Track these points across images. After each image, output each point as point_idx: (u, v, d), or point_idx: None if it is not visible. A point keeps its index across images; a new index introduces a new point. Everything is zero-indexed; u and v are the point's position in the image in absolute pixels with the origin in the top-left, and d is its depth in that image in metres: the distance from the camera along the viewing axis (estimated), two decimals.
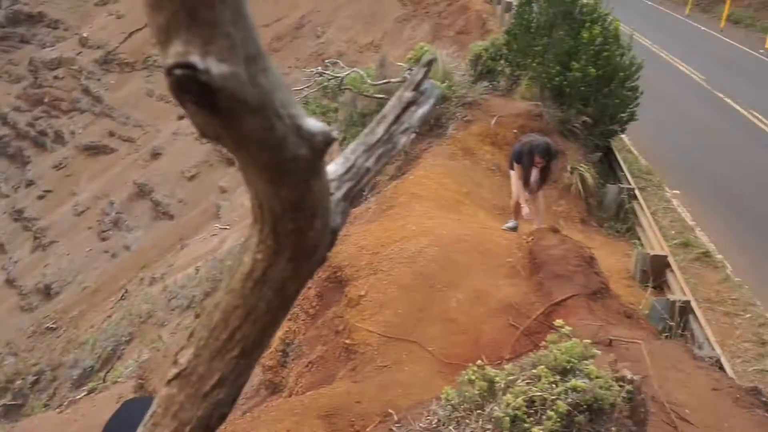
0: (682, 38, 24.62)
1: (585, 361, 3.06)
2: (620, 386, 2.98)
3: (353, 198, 1.11)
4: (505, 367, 3.21)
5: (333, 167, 1.09)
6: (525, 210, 8.61)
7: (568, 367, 3.01)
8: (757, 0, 26.66)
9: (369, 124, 1.12)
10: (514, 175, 8.74)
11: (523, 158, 8.59)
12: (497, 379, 3.05)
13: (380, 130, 1.09)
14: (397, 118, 1.10)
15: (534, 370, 3.04)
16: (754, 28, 25.91)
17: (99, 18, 43.30)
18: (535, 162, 8.54)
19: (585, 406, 2.83)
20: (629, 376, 3.05)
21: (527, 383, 2.96)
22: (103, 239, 32.75)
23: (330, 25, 32.59)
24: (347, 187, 1.08)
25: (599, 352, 3.28)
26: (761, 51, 22.84)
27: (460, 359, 5.93)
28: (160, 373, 12.08)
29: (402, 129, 1.09)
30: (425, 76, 1.13)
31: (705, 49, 23.45)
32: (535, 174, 8.66)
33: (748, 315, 9.22)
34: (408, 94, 1.12)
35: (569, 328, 3.44)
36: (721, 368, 7.27)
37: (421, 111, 1.12)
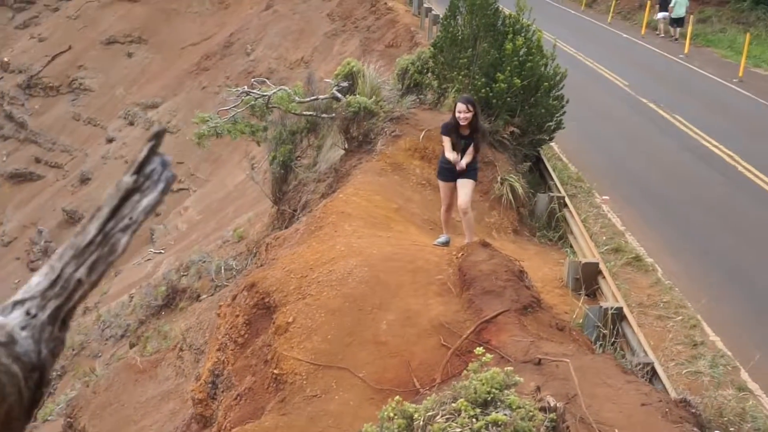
0: (605, 45, 25.16)
1: (507, 391, 2.94)
2: (543, 415, 2.87)
3: (65, 319, 0.90)
4: (425, 401, 3.06)
5: (36, 279, 0.89)
6: (452, 157, 8.33)
7: (489, 398, 2.89)
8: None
9: (82, 221, 0.92)
10: (447, 147, 8.45)
11: (450, 129, 8.40)
12: (416, 415, 2.91)
13: (93, 229, 0.90)
14: (115, 211, 0.91)
15: (454, 404, 2.90)
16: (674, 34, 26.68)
17: (21, 41, 42.02)
18: (458, 111, 8.24)
19: None
20: (552, 403, 2.94)
21: (446, 419, 2.82)
22: (33, 269, 31.57)
23: (259, 43, 32.28)
24: (54, 306, 0.88)
25: (521, 380, 3.17)
26: (681, 56, 23.50)
27: (392, 384, 5.78)
28: (89, 411, 11.60)
29: (122, 225, 0.91)
30: (151, 154, 0.94)
31: (628, 55, 24.01)
32: (467, 158, 8.41)
33: (679, 317, 9.32)
34: (128, 179, 0.93)
35: (490, 357, 3.32)
36: (655, 374, 7.30)
37: (147, 201, 0.93)
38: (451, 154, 8.36)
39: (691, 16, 25.47)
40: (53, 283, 0.87)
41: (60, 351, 0.86)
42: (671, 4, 25.30)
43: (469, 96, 8.67)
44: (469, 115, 8.28)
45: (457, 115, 8.33)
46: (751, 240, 11.58)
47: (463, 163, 8.35)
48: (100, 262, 0.89)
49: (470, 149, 8.44)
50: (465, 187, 8.45)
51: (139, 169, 0.95)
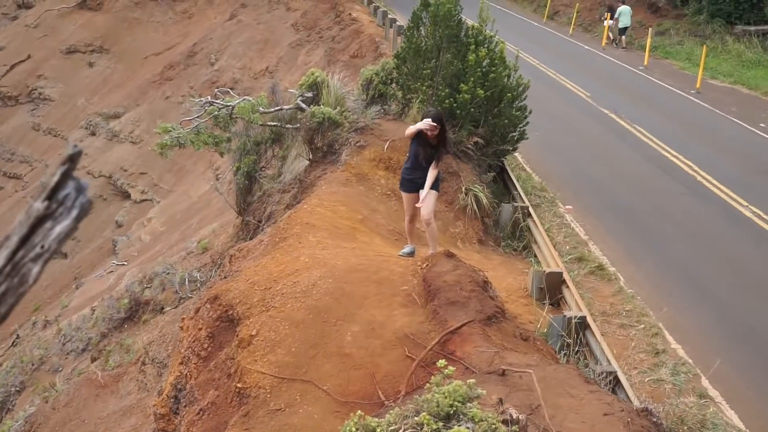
0: (567, 57, 25.50)
1: (469, 404, 2.93)
2: (506, 427, 2.87)
3: None
4: (387, 414, 3.04)
5: None
6: (422, 194, 8.40)
7: (452, 411, 2.88)
8: (634, 20, 27.94)
9: None
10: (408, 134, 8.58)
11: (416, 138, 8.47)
12: (378, 430, 2.88)
13: (1, 259, 0.85)
14: (25, 240, 0.86)
15: (416, 418, 2.89)
16: (633, 45, 27.15)
17: None
18: (428, 129, 8.28)
19: None
20: (515, 415, 2.94)
21: None
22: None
23: (223, 53, 32.10)
24: None
25: (484, 392, 3.16)
26: (640, 68, 23.91)
27: (357, 396, 5.75)
28: (48, 428, 11.34)
29: (33, 255, 0.86)
30: (65, 178, 0.90)
31: (589, 66, 24.37)
32: (432, 173, 8.45)
33: (641, 326, 9.43)
34: (38, 205, 0.88)
35: (452, 369, 3.32)
36: (618, 382, 7.37)
37: (60, 228, 0.88)
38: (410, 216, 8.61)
39: (650, 29, 25.98)
40: None
41: None
42: (617, 15, 27.26)
43: (437, 111, 8.61)
44: (436, 132, 8.33)
45: (424, 129, 8.35)
46: (710, 248, 11.79)
47: (423, 202, 8.45)
48: (9, 293, 0.85)
49: (431, 168, 8.47)
50: (427, 198, 8.47)
51: (52, 195, 0.90)
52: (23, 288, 0.85)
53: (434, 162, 8.45)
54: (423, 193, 8.43)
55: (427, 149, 8.44)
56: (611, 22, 27.71)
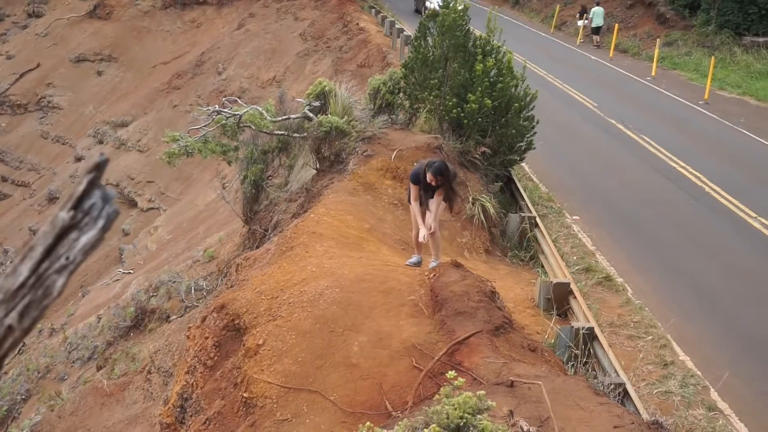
0: (574, 67, 25.50)
1: (479, 415, 2.90)
2: None
3: None
4: (396, 426, 3.01)
5: None
6: (422, 232, 8.23)
7: (462, 423, 2.85)
8: (642, 30, 27.97)
9: (12, 261, 0.85)
10: (412, 196, 8.41)
11: (419, 179, 8.28)
12: None
13: (25, 270, 0.83)
14: (50, 251, 0.84)
15: (426, 430, 2.86)
16: (641, 56, 27.14)
17: None
18: (428, 180, 8.14)
19: None
20: (525, 428, 2.91)
21: None
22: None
23: (231, 62, 32.22)
24: None
25: (494, 404, 3.13)
26: (648, 78, 23.88)
27: (364, 407, 5.71)
28: None
29: (57, 266, 0.84)
30: (91, 187, 0.87)
31: (596, 77, 24.35)
32: (435, 203, 8.38)
33: (649, 337, 9.37)
34: (64, 216, 0.86)
35: (462, 381, 3.29)
36: (626, 394, 7.32)
37: (86, 239, 0.86)
38: (421, 227, 8.27)
39: (658, 40, 25.97)
40: None
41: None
42: (590, 16, 29.41)
43: (439, 166, 8.21)
44: (438, 183, 8.18)
45: (428, 178, 8.19)
46: (718, 259, 11.72)
47: (428, 230, 8.29)
48: (32, 306, 0.82)
49: (440, 204, 8.36)
50: (433, 206, 8.43)
51: (78, 204, 0.87)
52: (47, 300, 0.83)
53: (437, 194, 8.30)
54: (427, 221, 8.30)
55: (430, 191, 8.33)
56: (585, 21, 29.96)
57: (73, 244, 0.84)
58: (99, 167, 0.87)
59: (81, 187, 0.86)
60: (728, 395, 8.19)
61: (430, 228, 8.27)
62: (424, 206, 8.46)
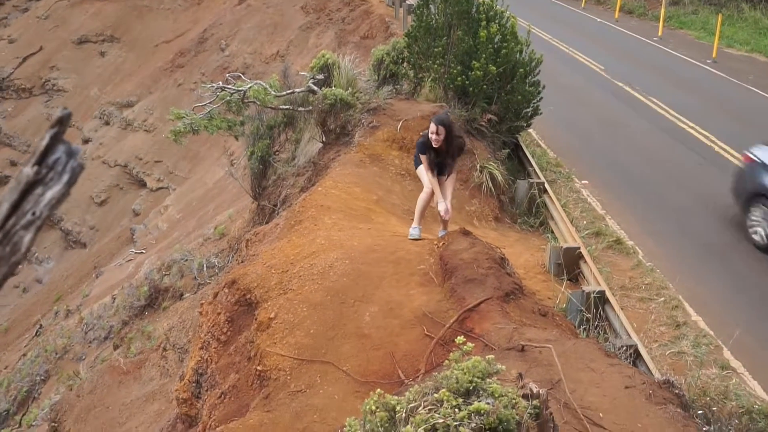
0: (579, 30, 25.23)
1: (489, 379, 2.92)
2: (526, 402, 2.85)
3: None
4: (407, 392, 3.03)
5: None
6: (441, 207, 8.03)
7: (471, 387, 2.86)
8: None
9: None
10: (422, 169, 8.17)
11: (426, 147, 8.06)
12: (398, 408, 2.88)
13: None
14: (16, 207, 0.83)
15: (436, 395, 2.88)
16: (647, 17, 26.81)
17: None
18: (430, 132, 7.95)
19: (490, 429, 2.68)
20: (535, 390, 2.92)
21: (429, 410, 2.80)
22: (12, 274, 31.24)
23: (233, 38, 32.05)
24: None
25: (503, 367, 3.15)
26: (654, 39, 23.61)
27: (377, 376, 5.76)
28: (73, 415, 11.49)
29: (24, 222, 0.83)
30: (55, 142, 0.86)
31: (602, 39, 24.09)
32: (451, 183, 8.17)
33: (661, 299, 9.37)
34: (28, 171, 0.85)
35: (471, 346, 3.30)
36: (638, 356, 7.34)
37: (51, 193, 0.85)
38: (440, 199, 8.07)
39: None
40: None
41: None
42: None
43: (441, 116, 8.11)
44: (441, 137, 7.94)
45: (429, 135, 8.01)
46: (728, 219, 11.66)
47: (445, 208, 8.13)
48: (1, 263, 0.83)
49: (449, 178, 8.21)
50: (448, 187, 8.30)
51: (41, 160, 0.87)
52: (16, 257, 0.83)
53: (447, 173, 8.16)
54: (446, 203, 8.12)
55: (438, 157, 8.12)
56: None
57: (39, 200, 0.84)
58: (62, 121, 0.86)
59: (44, 142, 0.86)
60: (741, 354, 8.20)
61: (446, 210, 8.12)
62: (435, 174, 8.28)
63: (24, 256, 0.85)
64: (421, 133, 9.14)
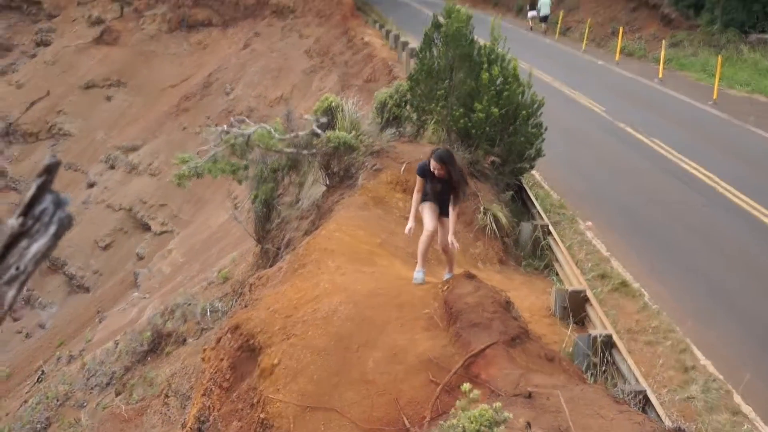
0: (580, 73, 25.44)
1: (496, 429, 2.85)
2: None
3: None
4: None
5: None
6: (408, 226, 7.91)
7: None
8: (647, 32, 27.89)
9: None
10: (416, 188, 8.00)
11: (425, 171, 7.87)
12: None
13: None
14: None
15: None
16: (647, 59, 27.04)
17: None
18: (432, 168, 7.76)
19: None
20: None
21: None
22: (15, 319, 31.15)
23: (238, 82, 32.40)
24: None
25: (510, 416, 3.08)
26: (655, 80, 23.78)
27: (382, 423, 5.66)
28: None
29: (7, 277, 0.79)
30: (42, 192, 0.82)
31: (603, 81, 24.28)
32: (452, 218, 8.02)
33: (668, 342, 9.26)
34: (13, 222, 0.81)
35: (477, 393, 3.23)
36: (648, 401, 7.21)
37: (37, 246, 0.81)
38: (431, 233, 7.91)
39: (663, 41, 25.89)
40: None
41: None
42: (538, 6, 33.49)
43: (443, 152, 7.94)
44: (443, 171, 7.78)
45: (431, 167, 7.85)
46: (733, 260, 11.59)
47: (450, 244, 7.94)
48: None
49: (451, 210, 7.94)
50: (449, 221, 8.18)
51: (28, 210, 0.83)
52: None
53: (452, 204, 7.91)
54: (449, 237, 7.98)
55: (437, 183, 7.90)
56: (534, 12, 34.03)
57: (24, 253, 0.80)
58: (50, 170, 0.82)
59: (30, 192, 0.82)
60: (751, 398, 8.06)
61: (451, 243, 7.97)
62: (432, 203, 7.99)
63: (6, 314, 0.81)
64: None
